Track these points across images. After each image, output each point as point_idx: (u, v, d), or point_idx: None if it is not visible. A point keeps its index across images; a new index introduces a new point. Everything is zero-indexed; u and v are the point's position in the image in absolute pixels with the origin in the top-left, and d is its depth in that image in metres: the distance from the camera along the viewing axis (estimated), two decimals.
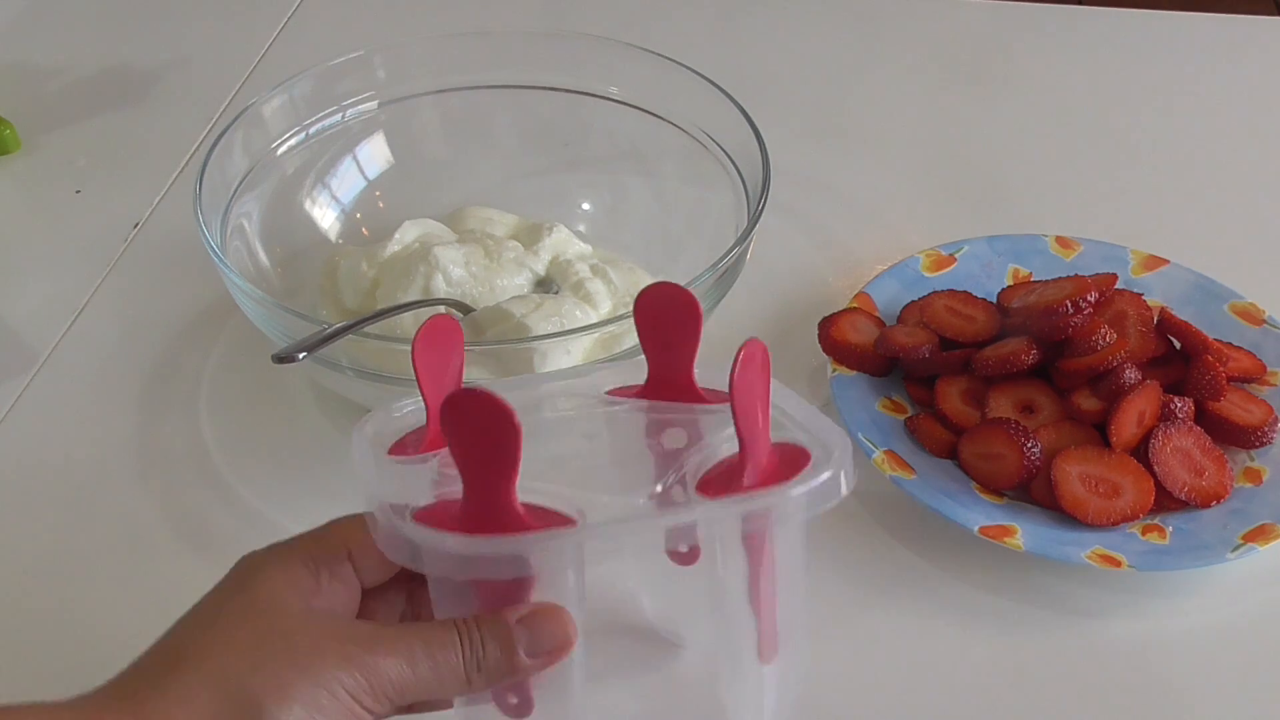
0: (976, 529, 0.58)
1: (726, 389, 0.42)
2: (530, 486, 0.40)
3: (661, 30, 0.96)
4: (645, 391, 0.50)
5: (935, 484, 0.61)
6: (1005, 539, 0.58)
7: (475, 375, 0.58)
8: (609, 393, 0.50)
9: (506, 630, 0.41)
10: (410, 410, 0.48)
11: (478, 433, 0.39)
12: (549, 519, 0.41)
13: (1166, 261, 0.73)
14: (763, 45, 0.99)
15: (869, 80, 0.96)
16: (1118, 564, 0.57)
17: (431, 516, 0.41)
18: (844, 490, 0.43)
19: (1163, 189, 0.85)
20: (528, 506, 0.40)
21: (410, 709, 0.44)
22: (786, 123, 0.81)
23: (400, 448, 0.47)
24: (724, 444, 0.46)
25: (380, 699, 0.39)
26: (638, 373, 0.50)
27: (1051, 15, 1.04)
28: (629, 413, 0.50)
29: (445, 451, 0.45)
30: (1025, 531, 0.59)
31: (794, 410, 0.46)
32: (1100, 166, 0.87)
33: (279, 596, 0.41)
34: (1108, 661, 0.57)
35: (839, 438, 0.44)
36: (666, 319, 0.48)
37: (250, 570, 0.42)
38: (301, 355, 0.56)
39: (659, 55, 0.73)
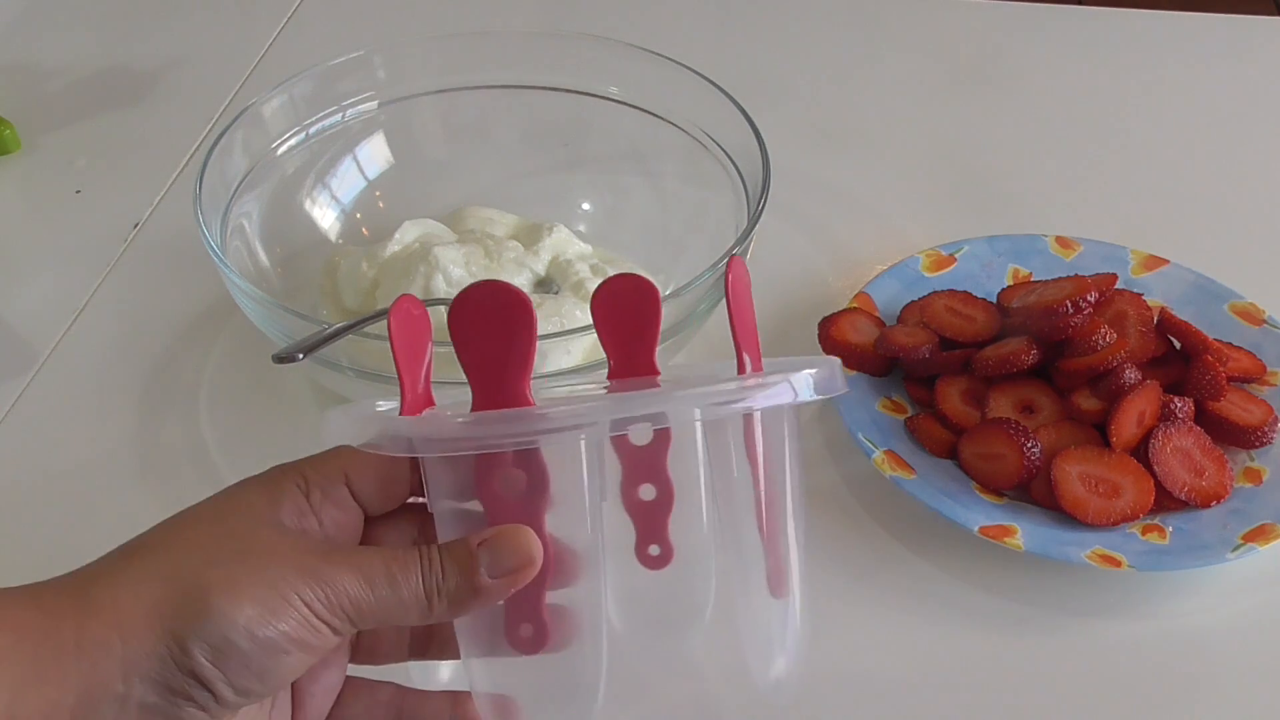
0: (976, 529, 0.58)
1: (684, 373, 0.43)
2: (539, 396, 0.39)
3: (661, 30, 0.96)
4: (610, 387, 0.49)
5: (935, 484, 0.61)
6: (1005, 539, 0.58)
7: None
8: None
9: (468, 552, 0.39)
10: (389, 409, 0.46)
11: (491, 326, 0.38)
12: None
13: (1166, 261, 0.73)
14: (763, 45, 0.99)
15: (869, 80, 0.96)
16: (1118, 564, 0.57)
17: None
18: (841, 386, 0.44)
19: (1163, 189, 0.85)
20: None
21: (379, 646, 0.44)
22: (786, 123, 0.81)
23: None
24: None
25: (336, 613, 0.38)
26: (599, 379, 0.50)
27: (1051, 15, 1.04)
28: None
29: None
30: (1025, 531, 0.59)
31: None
32: (1100, 166, 0.87)
33: (253, 506, 0.40)
34: (1108, 661, 0.57)
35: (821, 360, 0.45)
36: (625, 310, 0.47)
37: (236, 484, 0.41)
38: (301, 355, 0.56)
39: (659, 55, 0.73)
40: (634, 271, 0.70)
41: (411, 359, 0.43)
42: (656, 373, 0.47)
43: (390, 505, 0.42)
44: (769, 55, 0.98)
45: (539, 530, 0.40)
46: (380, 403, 0.46)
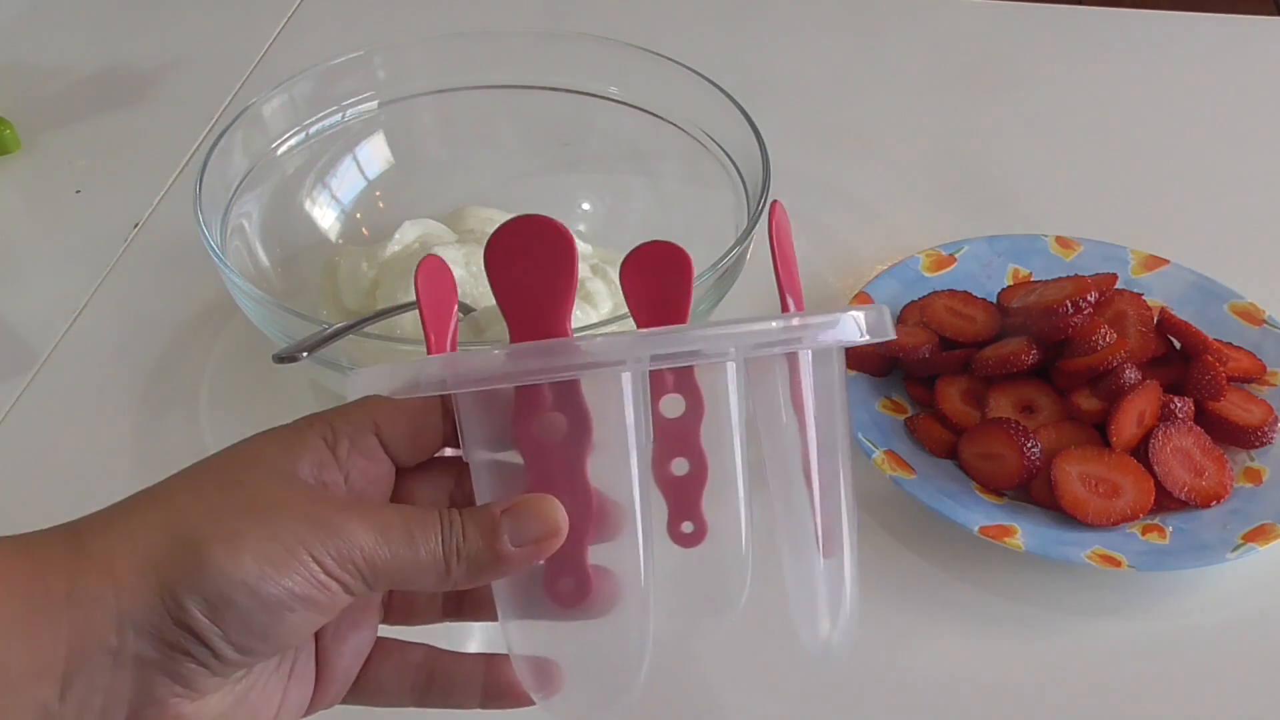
0: (976, 529, 0.58)
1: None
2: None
3: (661, 30, 0.96)
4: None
5: (935, 484, 0.61)
6: (1005, 539, 0.58)
7: None
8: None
9: (491, 518, 0.38)
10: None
11: (530, 260, 0.37)
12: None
13: (1166, 261, 0.73)
14: (763, 45, 0.99)
15: (869, 80, 0.96)
16: (1118, 564, 0.57)
17: None
18: (890, 331, 0.42)
19: (1163, 189, 0.85)
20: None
21: (414, 606, 0.42)
22: (786, 123, 0.81)
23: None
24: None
25: (348, 569, 0.35)
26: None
27: (1051, 15, 1.04)
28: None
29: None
30: (1025, 531, 0.59)
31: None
32: (1100, 166, 0.87)
33: (268, 457, 0.38)
34: (1108, 661, 0.57)
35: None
36: (657, 276, 0.46)
37: (256, 435, 0.39)
38: (303, 355, 0.56)
39: (659, 55, 0.73)
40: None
41: (438, 318, 0.42)
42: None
43: (422, 456, 0.40)
44: (769, 55, 0.98)
45: (581, 477, 0.39)
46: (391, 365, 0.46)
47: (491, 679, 0.42)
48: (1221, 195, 0.84)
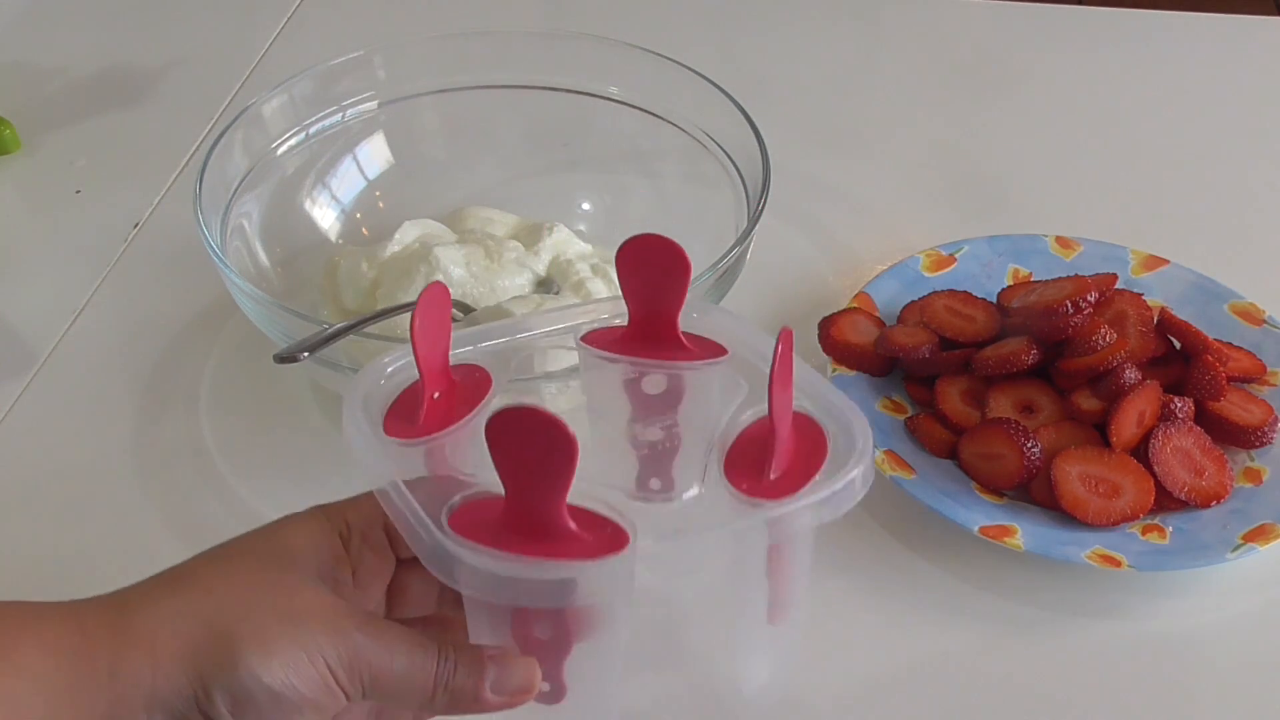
0: (976, 529, 0.58)
1: (707, 335, 0.46)
2: (576, 489, 0.40)
3: (661, 30, 0.96)
4: (627, 335, 0.50)
5: (935, 484, 0.61)
6: (1005, 539, 0.58)
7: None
8: (585, 338, 0.50)
9: (480, 663, 0.41)
10: (397, 368, 0.48)
11: (528, 448, 0.39)
12: (599, 530, 0.40)
13: (1166, 261, 0.73)
14: (763, 45, 0.99)
15: (869, 80, 0.96)
16: (1118, 564, 0.57)
17: (468, 521, 0.40)
18: (868, 482, 0.44)
19: (1163, 189, 0.85)
20: (574, 511, 0.40)
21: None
22: (786, 123, 0.81)
23: (397, 421, 0.46)
24: (723, 402, 0.48)
25: (354, 680, 0.39)
26: (616, 314, 0.51)
27: (1051, 15, 1.04)
28: (609, 375, 0.50)
29: (451, 437, 0.45)
30: (1025, 531, 0.59)
31: (800, 379, 0.46)
32: (1100, 166, 0.87)
33: (298, 552, 0.42)
34: (1108, 661, 0.57)
35: (855, 418, 0.45)
36: (653, 269, 0.48)
37: (283, 522, 0.43)
38: (303, 355, 0.56)
39: (659, 55, 0.73)
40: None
41: (431, 346, 0.45)
42: (678, 334, 0.48)
43: None
44: (769, 55, 0.98)
45: (565, 651, 0.42)
46: (390, 361, 0.47)
47: None
48: (1221, 195, 0.84)
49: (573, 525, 0.40)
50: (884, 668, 0.56)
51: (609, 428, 0.51)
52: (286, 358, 0.56)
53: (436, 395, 0.47)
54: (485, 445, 0.40)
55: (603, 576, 0.40)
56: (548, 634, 0.42)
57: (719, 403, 0.48)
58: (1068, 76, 0.96)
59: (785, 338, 0.43)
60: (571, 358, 0.54)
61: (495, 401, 0.47)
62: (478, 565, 0.39)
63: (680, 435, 0.50)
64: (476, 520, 0.40)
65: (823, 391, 0.46)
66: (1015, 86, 0.95)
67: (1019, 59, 0.98)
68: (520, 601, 0.40)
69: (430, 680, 0.41)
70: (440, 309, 0.46)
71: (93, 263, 0.78)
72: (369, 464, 0.43)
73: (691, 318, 0.50)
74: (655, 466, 0.51)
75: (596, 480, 0.50)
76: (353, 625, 0.40)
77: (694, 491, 0.49)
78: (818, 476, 0.43)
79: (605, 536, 0.40)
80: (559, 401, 0.55)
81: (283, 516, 0.43)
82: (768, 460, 0.43)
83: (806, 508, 0.42)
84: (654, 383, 0.49)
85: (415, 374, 0.46)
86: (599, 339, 0.50)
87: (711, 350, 0.49)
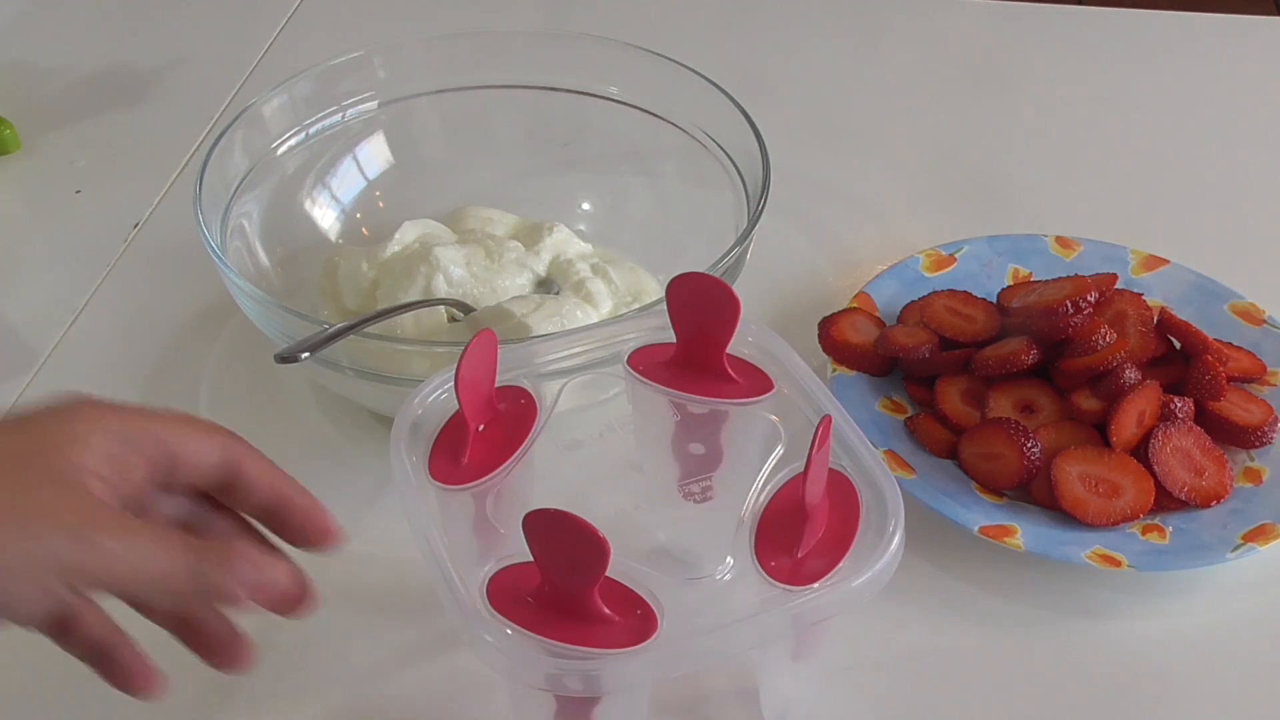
0: (976, 529, 0.58)
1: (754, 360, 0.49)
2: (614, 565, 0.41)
3: (661, 30, 0.96)
4: (674, 358, 0.51)
5: (935, 484, 0.61)
6: (1005, 539, 0.58)
7: None
8: (631, 359, 0.51)
9: (229, 557, 0.41)
10: (441, 394, 0.49)
11: (564, 546, 0.41)
12: (629, 613, 0.42)
13: (1166, 261, 0.73)
14: (763, 45, 0.99)
15: (869, 80, 0.96)
16: (1118, 564, 0.57)
17: (505, 589, 0.42)
18: (894, 566, 0.45)
19: (1163, 189, 0.85)
20: (608, 585, 0.41)
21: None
22: (786, 123, 0.81)
23: (442, 457, 0.48)
24: (760, 455, 0.49)
25: (76, 580, 0.39)
26: (661, 327, 0.52)
27: (1051, 15, 1.04)
28: (654, 400, 0.51)
29: (493, 485, 0.47)
30: (1025, 531, 0.59)
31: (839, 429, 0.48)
32: (1100, 166, 0.87)
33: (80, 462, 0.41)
34: (1108, 661, 0.57)
35: (887, 484, 0.46)
36: (702, 307, 0.50)
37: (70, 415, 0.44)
38: (303, 355, 0.56)
39: (659, 55, 0.73)
40: (639, 271, 0.71)
41: (474, 390, 0.47)
42: (725, 367, 0.50)
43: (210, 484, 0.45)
44: (769, 55, 0.98)
45: (593, 703, 0.44)
46: (431, 389, 0.49)
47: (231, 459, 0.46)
48: (1221, 195, 0.84)
49: (605, 609, 0.41)
50: (882, 667, 0.56)
51: (654, 437, 0.53)
52: (286, 358, 0.56)
53: (481, 428, 0.48)
54: (525, 497, 0.41)
55: (628, 668, 0.41)
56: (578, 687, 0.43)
57: (755, 458, 0.50)
58: (1068, 76, 0.96)
59: (825, 425, 0.44)
60: (571, 362, 0.55)
61: (540, 441, 0.49)
62: (507, 650, 0.41)
63: (724, 451, 0.52)
64: (513, 589, 0.42)
65: (858, 451, 0.47)
66: (1015, 86, 0.95)
67: (1019, 59, 0.98)
68: (546, 687, 0.41)
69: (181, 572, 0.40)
70: (486, 357, 0.48)
71: (93, 263, 0.78)
72: (413, 512, 0.45)
73: (746, 341, 0.52)
74: (695, 473, 0.52)
75: (643, 489, 0.52)
76: (79, 521, 0.39)
77: (725, 567, 0.50)
78: (845, 560, 0.44)
79: (635, 620, 0.41)
80: (608, 410, 0.56)
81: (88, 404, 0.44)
82: (798, 540, 0.45)
83: (832, 600, 0.43)
84: (698, 406, 0.51)
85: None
86: (645, 359, 0.52)
87: (757, 381, 0.51)
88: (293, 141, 0.73)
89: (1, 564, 0.38)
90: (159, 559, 0.40)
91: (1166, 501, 0.61)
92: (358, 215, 0.76)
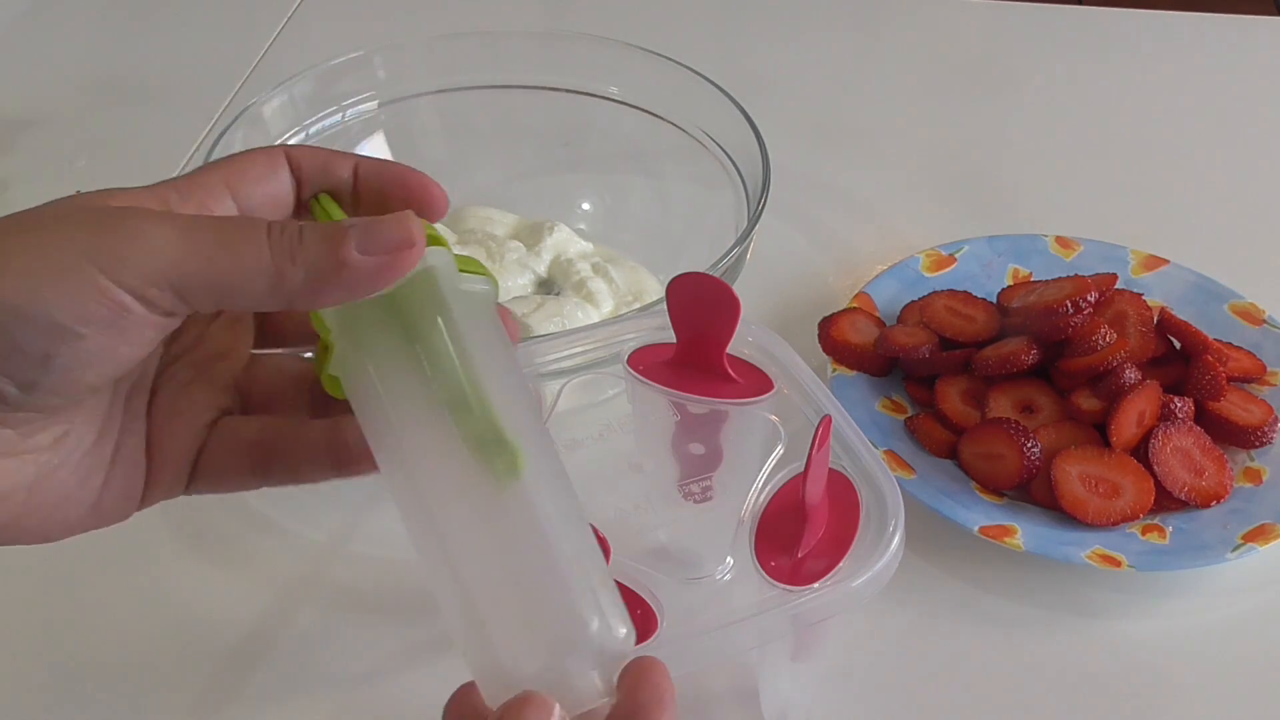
0: (976, 529, 0.58)
1: (754, 359, 0.49)
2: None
3: (661, 30, 0.96)
4: (674, 358, 0.51)
5: (935, 484, 0.61)
6: (1005, 539, 0.58)
7: None
8: (631, 359, 0.51)
9: (337, 227, 0.33)
10: None
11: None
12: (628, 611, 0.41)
13: (1166, 261, 0.73)
14: (763, 45, 0.99)
15: (869, 80, 0.96)
16: (1118, 564, 0.57)
17: None
18: (894, 566, 0.44)
19: (1163, 189, 0.85)
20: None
21: (298, 461, 0.38)
22: (786, 123, 0.81)
23: None
24: (760, 456, 0.49)
25: (150, 280, 0.30)
26: (660, 326, 0.52)
27: (1051, 15, 1.04)
28: (654, 400, 0.51)
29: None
30: (1025, 531, 0.59)
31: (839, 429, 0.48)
32: (1100, 166, 0.87)
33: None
34: (1107, 661, 0.57)
35: (886, 480, 0.46)
36: (702, 307, 0.50)
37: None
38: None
39: (659, 55, 0.73)
40: (640, 270, 0.71)
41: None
42: (725, 367, 0.50)
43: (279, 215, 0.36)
44: (769, 55, 0.98)
45: None
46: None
47: (338, 443, 0.38)
48: (1221, 195, 0.84)
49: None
50: (882, 667, 0.56)
51: (654, 436, 0.53)
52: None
53: None
54: None
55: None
56: None
57: (755, 458, 0.49)
58: (1068, 76, 0.96)
59: (825, 425, 0.44)
60: (571, 362, 0.55)
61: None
62: None
63: (723, 452, 0.51)
64: None
65: (858, 451, 0.47)
66: (1015, 86, 0.95)
67: (1019, 59, 0.98)
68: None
69: (266, 259, 0.32)
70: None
71: None
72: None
73: (747, 341, 0.51)
74: (695, 473, 0.52)
75: (643, 489, 0.52)
76: (123, 216, 0.31)
77: (725, 567, 0.50)
78: (845, 560, 0.44)
79: (635, 620, 0.41)
80: (608, 410, 0.56)
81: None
82: (798, 540, 0.44)
83: (832, 600, 0.43)
84: (698, 406, 0.51)
85: None
86: (645, 359, 0.52)
87: (757, 381, 0.51)
88: (293, 142, 0.73)
89: (22, 273, 0.29)
90: (232, 245, 0.32)
91: (1166, 501, 0.61)
92: None
